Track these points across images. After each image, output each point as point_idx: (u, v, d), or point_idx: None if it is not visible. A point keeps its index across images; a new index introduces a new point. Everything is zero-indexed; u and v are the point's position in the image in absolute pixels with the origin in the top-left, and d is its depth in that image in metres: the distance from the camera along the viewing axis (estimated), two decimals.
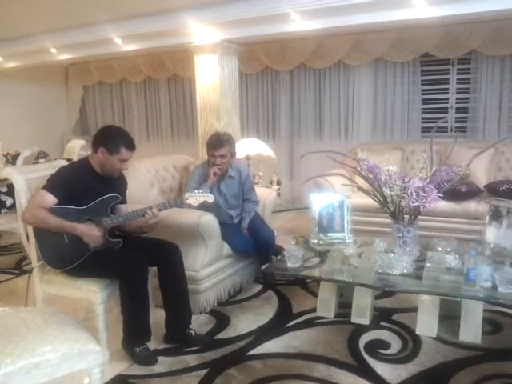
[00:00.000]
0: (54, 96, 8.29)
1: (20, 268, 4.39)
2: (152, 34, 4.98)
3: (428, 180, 2.78)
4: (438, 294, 2.72)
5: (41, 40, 5.67)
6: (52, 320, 1.99)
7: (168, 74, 7.36)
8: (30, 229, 2.70)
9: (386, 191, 2.84)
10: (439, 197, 2.73)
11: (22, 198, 2.77)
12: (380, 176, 2.83)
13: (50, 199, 2.54)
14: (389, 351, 2.65)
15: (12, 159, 5.75)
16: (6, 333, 1.83)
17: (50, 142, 7.58)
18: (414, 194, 2.67)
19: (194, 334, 2.84)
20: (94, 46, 5.58)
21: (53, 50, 5.90)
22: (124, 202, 2.88)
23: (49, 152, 6.15)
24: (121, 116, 8.03)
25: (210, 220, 3.16)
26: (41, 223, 2.55)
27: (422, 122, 5.91)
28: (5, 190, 4.55)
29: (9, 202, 4.49)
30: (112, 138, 2.66)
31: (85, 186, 2.62)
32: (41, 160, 5.67)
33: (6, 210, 4.49)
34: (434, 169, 2.93)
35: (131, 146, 2.69)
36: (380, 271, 2.74)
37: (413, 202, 2.68)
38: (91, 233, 2.56)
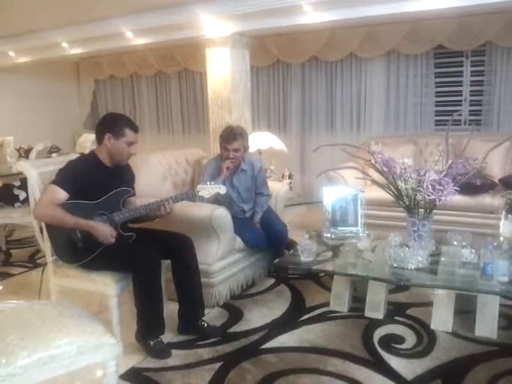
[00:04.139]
0: (66, 91, 8.32)
1: (33, 261, 4.43)
2: (163, 27, 4.96)
3: (444, 173, 2.75)
4: (454, 288, 2.69)
5: (52, 35, 5.68)
6: (67, 313, 2.00)
7: (179, 67, 7.35)
8: (44, 223, 2.70)
9: (401, 184, 2.80)
10: (455, 190, 2.69)
11: (35, 192, 2.78)
12: (395, 169, 2.79)
13: (61, 194, 2.52)
14: (403, 346, 2.63)
15: (25, 153, 5.78)
16: (21, 326, 1.85)
17: (62, 137, 7.60)
18: (430, 187, 2.64)
19: (206, 325, 2.84)
20: (106, 40, 5.57)
21: (64, 45, 5.91)
22: (134, 193, 2.88)
23: (60, 146, 6.18)
24: (132, 110, 8.04)
25: (222, 213, 3.15)
26: (53, 220, 2.54)
27: (436, 115, 5.84)
28: (18, 183, 4.57)
29: (22, 195, 4.51)
30: (114, 123, 2.67)
31: (94, 180, 2.62)
32: (53, 154, 5.71)
33: (19, 203, 4.51)
34: (449, 162, 2.89)
35: (134, 127, 2.70)
36: (395, 265, 2.71)
37: (428, 196, 2.64)
38: (105, 231, 2.54)
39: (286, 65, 6.60)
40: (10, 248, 4.87)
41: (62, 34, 5.66)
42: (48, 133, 7.04)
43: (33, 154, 5.07)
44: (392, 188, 2.89)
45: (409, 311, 3.03)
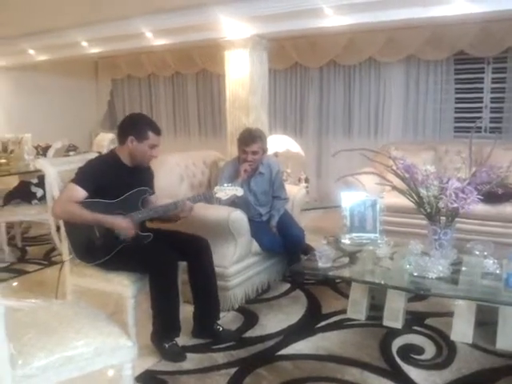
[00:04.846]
0: (84, 89, 8.38)
1: (49, 259, 4.44)
2: (183, 28, 4.95)
3: (467, 181, 2.69)
4: (475, 299, 2.62)
5: (72, 33, 5.70)
6: (84, 313, 1.99)
7: (196, 69, 7.36)
8: (62, 221, 2.70)
9: (423, 191, 2.75)
10: (478, 199, 2.64)
11: (54, 190, 2.79)
12: (417, 176, 2.74)
13: (81, 193, 2.52)
14: (423, 357, 2.57)
15: (42, 151, 5.82)
16: (38, 326, 1.84)
17: (79, 135, 7.65)
18: (453, 195, 2.58)
19: (221, 329, 2.82)
20: (125, 39, 5.58)
21: (84, 44, 5.93)
22: (152, 193, 2.87)
23: (77, 145, 6.21)
24: (148, 111, 8.05)
25: (240, 216, 3.12)
26: (72, 217, 2.54)
27: (455, 122, 5.77)
28: (35, 181, 4.60)
29: (39, 193, 4.53)
30: (138, 125, 2.67)
31: (113, 179, 2.61)
32: (70, 153, 5.74)
33: (36, 201, 4.53)
34: (473, 170, 2.83)
35: (157, 130, 2.69)
36: (415, 274, 2.66)
37: (451, 204, 2.59)
38: (124, 223, 2.53)
39: (304, 68, 6.57)
40: (26, 245, 4.90)
41: (82, 32, 5.69)
42: (65, 131, 7.09)
43: (51, 152, 5.09)
44: (413, 195, 2.84)
45: (428, 321, 2.97)
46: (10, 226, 4.86)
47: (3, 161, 5.02)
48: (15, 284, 3.86)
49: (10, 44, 6.42)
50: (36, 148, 6.00)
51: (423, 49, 5.59)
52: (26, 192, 4.60)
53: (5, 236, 4.47)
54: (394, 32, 5.55)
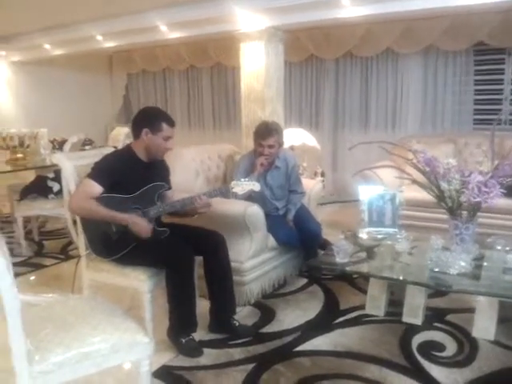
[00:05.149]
0: (99, 84, 8.39)
1: (65, 253, 4.46)
2: (198, 21, 4.91)
3: (490, 175, 2.61)
4: (498, 295, 2.55)
5: (87, 27, 5.70)
6: (100, 309, 1.97)
7: (211, 62, 7.31)
8: (78, 216, 2.70)
9: (444, 185, 2.68)
10: (502, 192, 2.56)
11: (70, 184, 2.78)
12: (438, 169, 2.67)
13: (97, 188, 2.52)
14: (444, 354, 2.52)
15: (58, 145, 5.83)
16: (55, 321, 1.83)
17: (94, 130, 7.67)
18: (476, 188, 2.51)
19: (238, 324, 2.80)
20: (140, 33, 5.56)
21: (99, 38, 5.92)
22: (169, 187, 2.86)
23: (93, 139, 6.22)
24: (163, 105, 8.03)
25: (256, 211, 3.09)
26: (89, 214, 2.54)
27: (475, 114, 5.64)
28: (52, 175, 4.61)
29: (55, 187, 4.55)
30: (152, 117, 2.66)
31: (129, 174, 2.60)
32: (86, 147, 5.74)
33: (52, 195, 4.55)
34: (495, 162, 2.75)
35: (171, 122, 2.68)
36: (436, 270, 2.60)
37: (474, 198, 2.52)
38: (141, 223, 2.52)
39: (319, 60, 6.49)
40: (43, 239, 4.93)
41: (97, 26, 5.68)
42: (81, 125, 7.11)
43: (67, 147, 5.10)
44: (434, 189, 2.78)
45: (448, 317, 2.91)
46: (26, 221, 4.89)
47: (20, 155, 5.04)
48: (32, 278, 3.89)
49: (26, 39, 6.45)
50: (52, 142, 6.02)
51: (442, 39, 5.47)
52: (42, 186, 4.62)
53: (22, 230, 4.50)
54: (411, 22, 5.44)
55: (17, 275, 3.84)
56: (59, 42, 6.34)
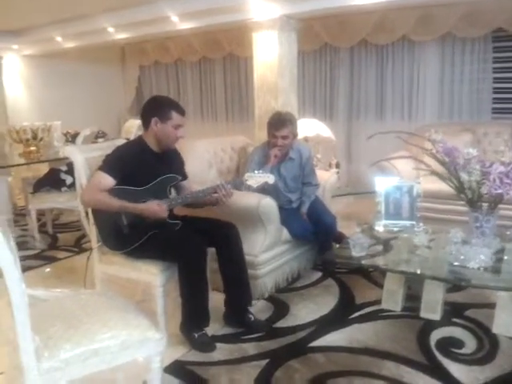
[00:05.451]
0: (111, 76, 8.38)
1: (79, 246, 4.46)
2: (210, 10, 4.82)
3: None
4: None
5: (99, 19, 5.66)
6: (111, 304, 1.94)
7: (223, 53, 7.24)
8: (90, 209, 2.67)
9: (464, 176, 2.59)
10: None
11: (82, 177, 2.75)
12: (458, 160, 2.58)
13: (109, 181, 2.48)
14: (463, 350, 2.44)
15: (71, 138, 5.83)
16: (65, 317, 1.79)
17: (107, 122, 7.66)
18: (498, 180, 2.42)
19: (253, 318, 2.75)
20: (151, 24, 5.50)
21: (110, 30, 5.88)
22: (185, 177, 2.82)
23: (106, 132, 6.21)
24: (176, 97, 7.97)
25: (269, 203, 3.03)
26: (101, 206, 2.51)
27: (493, 103, 5.49)
28: (65, 168, 4.60)
29: (69, 180, 4.55)
30: (160, 106, 2.61)
31: (141, 166, 2.56)
32: (99, 139, 5.73)
33: (65, 188, 4.55)
34: None
35: (181, 109, 2.63)
36: (455, 263, 2.51)
37: (495, 189, 2.43)
38: (152, 207, 2.47)
39: (333, 49, 6.36)
40: (57, 232, 4.94)
41: (108, 18, 5.63)
42: (94, 118, 7.12)
43: (79, 139, 5.09)
44: (453, 180, 2.69)
45: (467, 312, 2.82)
46: (41, 213, 4.91)
47: (33, 148, 5.04)
48: (48, 270, 3.90)
49: (38, 32, 6.45)
50: (65, 135, 6.03)
51: (459, 26, 5.30)
52: (55, 179, 4.63)
53: (36, 223, 4.51)
54: (428, 9, 5.29)
55: (30, 268, 3.90)
56: (71, 35, 6.32)
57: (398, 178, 3.55)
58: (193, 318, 2.57)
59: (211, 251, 2.70)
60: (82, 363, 1.64)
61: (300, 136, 4.46)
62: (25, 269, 3.79)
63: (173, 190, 2.76)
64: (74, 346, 1.63)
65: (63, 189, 4.55)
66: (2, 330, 1.74)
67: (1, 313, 1.71)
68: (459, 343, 2.51)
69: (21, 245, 4.53)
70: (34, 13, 5.47)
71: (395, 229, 3.11)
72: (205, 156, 3.63)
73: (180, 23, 5.36)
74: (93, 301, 1.97)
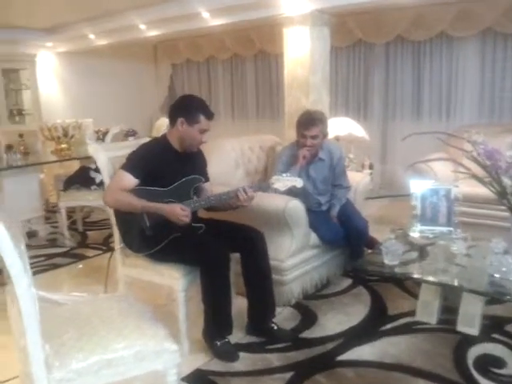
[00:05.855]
0: (144, 74, 8.39)
1: (107, 244, 4.44)
2: (240, 6, 4.73)
3: None
4: None
5: (129, 16, 5.64)
6: (128, 311, 1.86)
7: (255, 50, 7.15)
8: (112, 210, 2.61)
9: (507, 181, 2.41)
10: None
11: (105, 176, 2.69)
12: (501, 163, 2.40)
13: (131, 180, 2.42)
14: (504, 371, 2.25)
15: (103, 136, 5.85)
16: (79, 324, 1.72)
17: (140, 120, 7.69)
18: None
19: (276, 328, 2.63)
20: (182, 21, 5.44)
21: (142, 27, 5.87)
22: (207, 179, 2.73)
23: (138, 130, 6.20)
24: (207, 95, 7.93)
25: (297, 206, 2.90)
26: (122, 206, 2.44)
27: None
28: (94, 166, 4.60)
29: (98, 178, 4.54)
30: (190, 107, 2.51)
31: (163, 165, 2.48)
32: (129, 138, 5.72)
33: (95, 186, 4.55)
34: None
35: (210, 114, 2.53)
36: (496, 275, 2.33)
37: None
38: (175, 210, 2.36)
39: (368, 45, 6.17)
40: (87, 229, 4.96)
41: (140, 15, 5.61)
42: (126, 116, 7.14)
43: (108, 137, 5.09)
44: (495, 184, 2.50)
45: (508, 327, 2.63)
46: (72, 211, 4.94)
47: (64, 145, 5.06)
48: (79, 267, 3.91)
49: (71, 29, 6.50)
50: (97, 133, 6.05)
51: (500, 21, 5.04)
52: (85, 177, 4.64)
53: (65, 221, 4.53)
54: (466, 4, 5.05)
55: (58, 266, 3.88)
56: (102, 32, 6.33)
57: (433, 180, 3.37)
58: (215, 325, 2.48)
59: (235, 256, 2.60)
60: (95, 374, 1.57)
61: (331, 135, 4.32)
62: (53, 267, 3.85)
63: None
64: (87, 356, 1.56)
65: (92, 187, 4.55)
66: (14, 337, 1.69)
67: (13, 319, 1.66)
68: (499, 362, 2.32)
69: (51, 242, 4.57)
70: (67, 10, 5.50)
71: (431, 235, 2.94)
72: (231, 155, 3.53)
73: (211, 19, 5.29)
74: (109, 307, 1.90)
